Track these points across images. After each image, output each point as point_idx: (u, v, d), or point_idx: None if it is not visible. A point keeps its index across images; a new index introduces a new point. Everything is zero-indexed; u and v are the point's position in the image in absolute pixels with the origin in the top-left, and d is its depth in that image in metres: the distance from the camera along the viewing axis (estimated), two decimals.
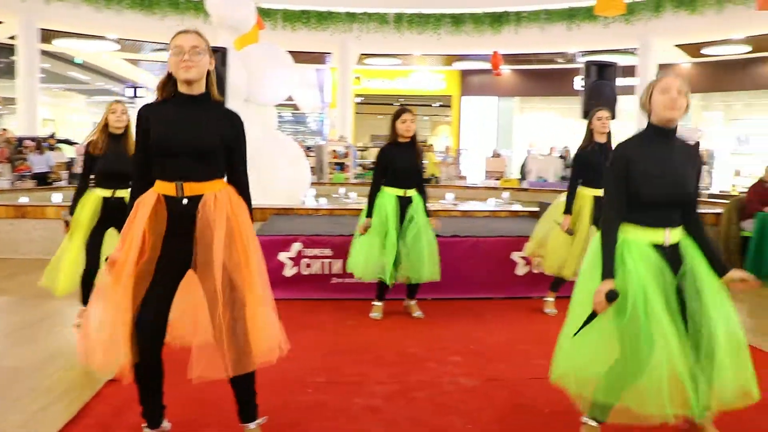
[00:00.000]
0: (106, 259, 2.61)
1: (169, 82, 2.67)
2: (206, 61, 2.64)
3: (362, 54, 22.47)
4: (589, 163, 5.08)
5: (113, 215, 4.48)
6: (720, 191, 15.37)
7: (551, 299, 5.47)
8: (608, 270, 2.66)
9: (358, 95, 25.75)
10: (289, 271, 5.77)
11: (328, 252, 5.80)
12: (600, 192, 5.08)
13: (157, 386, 2.73)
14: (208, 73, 2.68)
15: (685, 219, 2.82)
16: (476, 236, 5.98)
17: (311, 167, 15.48)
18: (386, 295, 5.25)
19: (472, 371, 3.94)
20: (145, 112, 2.68)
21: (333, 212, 8.00)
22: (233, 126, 2.71)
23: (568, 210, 5.16)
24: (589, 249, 2.88)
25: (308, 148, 19.56)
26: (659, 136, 2.79)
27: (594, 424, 2.86)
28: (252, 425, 2.81)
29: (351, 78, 21.98)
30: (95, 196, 4.55)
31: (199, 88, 2.66)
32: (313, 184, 12.46)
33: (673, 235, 2.76)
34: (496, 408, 3.36)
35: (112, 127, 4.54)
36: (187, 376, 2.59)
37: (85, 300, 4.65)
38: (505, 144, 25.82)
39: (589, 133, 5.16)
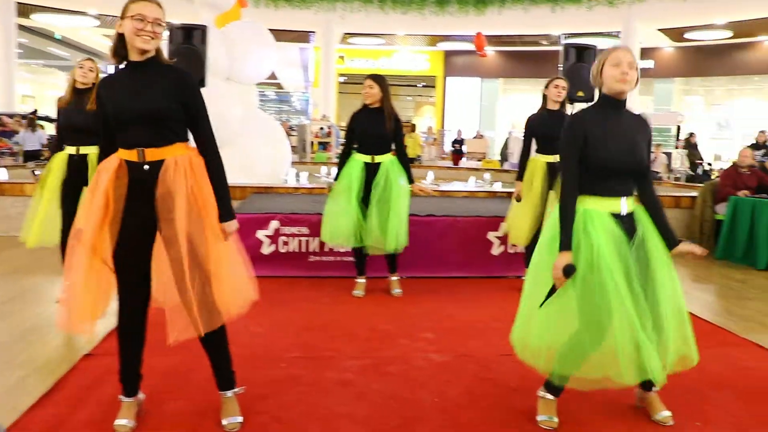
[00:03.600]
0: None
1: (121, 47, 2.67)
2: (163, 34, 2.68)
3: (346, 33, 22.39)
4: (540, 129, 5.20)
5: (80, 173, 4.58)
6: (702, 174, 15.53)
7: None
8: (566, 242, 2.72)
9: (341, 75, 25.68)
10: (266, 249, 5.82)
11: (305, 230, 5.85)
12: (552, 158, 5.18)
13: (139, 353, 2.80)
14: None
15: (639, 189, 2.90)
16: (453, 215, 6.05)
17: (294, 146, 15.49)
18: (366, 271, 5.33)
19: (444, 347, 4.02)
20: (99, 88, 2.73)
21: (312, 191, 8.04)
22: (187, 87, 2.71)
23: (519, 177, 5.28)
24: (549, 220, 2.94)
25: (291, 128, 19.52)
26: (611, 108, 2.84)
27: (550, 397, 2.97)
28: (229, 393, 2.88)
29: (334, 57, 21.92)
30: (62, 153, 4.64)
31: (149, 54, 2.68)
32: (295, 163, 12.49)
33: (628, 203, 2.83)
34: (465, 383, 3.45)
35: (78, 83, 4.60)
36: (163, 344, 2.65)
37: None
38: (488, 125, 25.90)
39: (544, 99, 5.25)
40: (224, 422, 2.82)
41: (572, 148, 2.80)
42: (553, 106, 5.19)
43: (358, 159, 5.06)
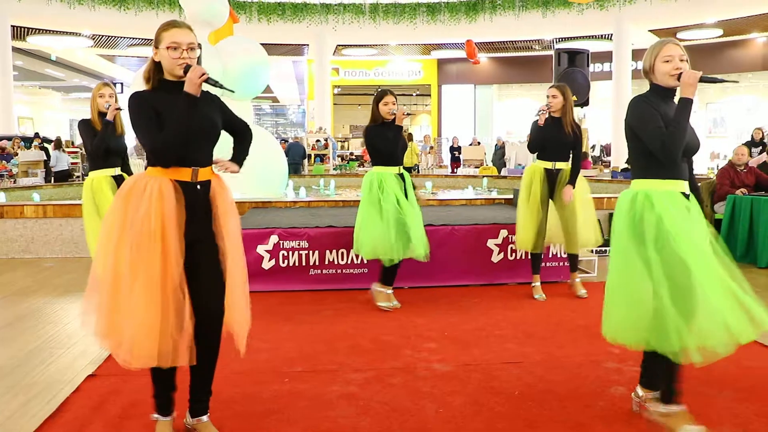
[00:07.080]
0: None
1: (156, 71, 2.70)
2: (197, 56, 2.72)
3: (339, 45, 22.46)
4: (542, 135, 5.35)
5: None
6: (696, 174, 15.56)
7: (537, 284, 5.56)
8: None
9: (336, 86, 25.75)
10: (267, 264, 5.82)
11: (305, 244, 5.86)
12: (551, 164, 5.33)
13: (175, 372, 2.78)
14: None
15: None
16: (451, 224, 6.06)
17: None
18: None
19: (447, 357, 4.02)
20: (148, 100, 2.64)
21: (310, 204, 8.05)
22: (219, 104, 2.87)
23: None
24: (616, 212, 2.95)
25: (284, 141, 19.56)
26: (664, 97, 2.90)
27: (676, 408, 2.82)
28: (205, 418, 2.85)
29: (328, 69, 21.97)
30: (103, 176, 4.91)
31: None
32: (292, 176, 12.50)
33: (686, 186, 2.90)
34: (469, 392, 3.44)
35: (102, 108, 4.85)
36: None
37: None
38: (484, 131, 25.94)
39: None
40: None
41: (655, 116, 2.80)
42: (553, 114, 5.37)
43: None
